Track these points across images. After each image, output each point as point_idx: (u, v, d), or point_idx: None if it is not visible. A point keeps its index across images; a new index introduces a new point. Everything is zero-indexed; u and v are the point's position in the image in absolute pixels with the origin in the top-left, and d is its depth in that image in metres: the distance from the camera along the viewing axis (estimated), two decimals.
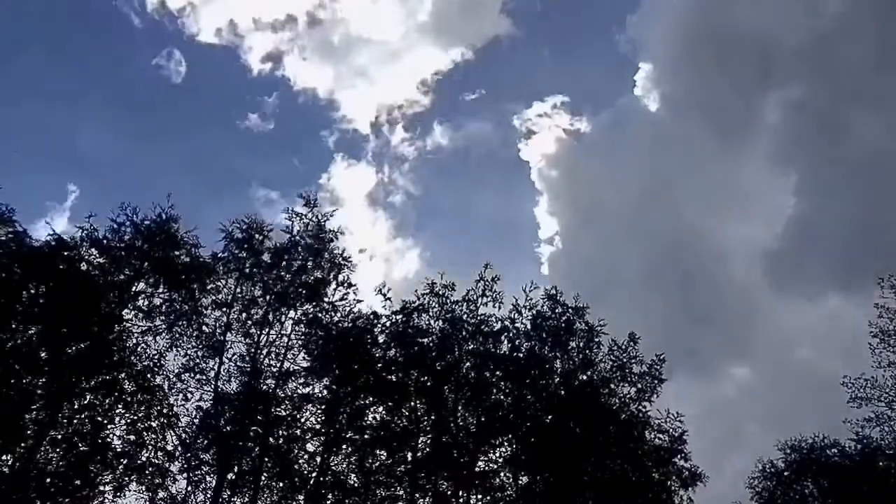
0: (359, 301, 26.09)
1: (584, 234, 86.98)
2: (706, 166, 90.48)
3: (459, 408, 25.21)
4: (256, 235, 25.63)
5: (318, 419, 24.61)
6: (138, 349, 22.94)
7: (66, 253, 21.92)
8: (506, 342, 26.34)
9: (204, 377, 23.73)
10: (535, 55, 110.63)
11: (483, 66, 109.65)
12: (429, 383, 25.31)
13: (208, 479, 22.65)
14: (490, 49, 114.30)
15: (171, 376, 23.31)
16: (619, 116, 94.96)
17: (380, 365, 25.46)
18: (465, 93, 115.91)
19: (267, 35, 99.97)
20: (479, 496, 24.23)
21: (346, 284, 25.96)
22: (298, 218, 26.23)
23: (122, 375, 22.20)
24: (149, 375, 22.75)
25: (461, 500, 23.52)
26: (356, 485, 23.88)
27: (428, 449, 24.49)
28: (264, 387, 24.09)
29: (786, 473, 28.45)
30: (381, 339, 26.04)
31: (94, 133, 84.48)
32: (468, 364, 25.87)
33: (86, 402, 21.48)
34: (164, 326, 23.56)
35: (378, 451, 24.54)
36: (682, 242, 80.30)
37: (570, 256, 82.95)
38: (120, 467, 21.41)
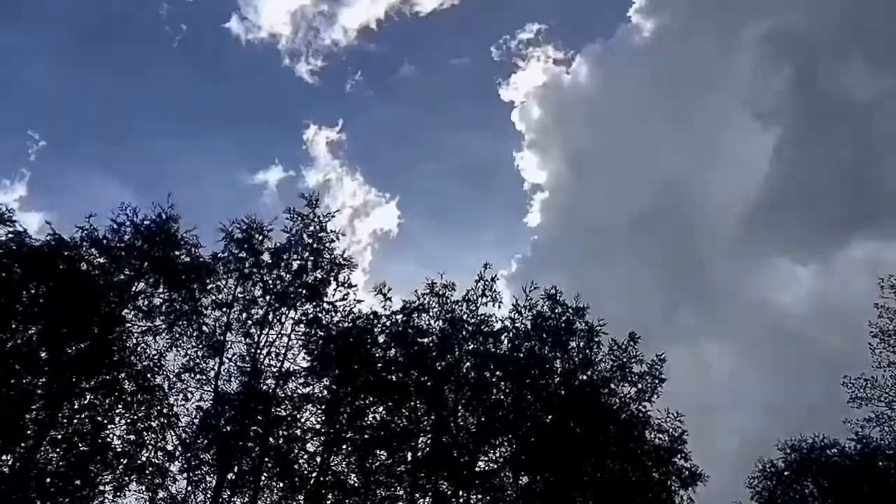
0: (359, 301, 26.15)
1: (569, 182, 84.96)
2: (693, 112, 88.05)
3: (459, 408, 25.22)
4: (256, 235, 25.63)
5: (318, 419, 24.64)
6: (138, 349, 22.98)
7: (66, 253, 21.92)
8: (506, 342, 26.39)
9: (204, 377, 23.75)
10: None
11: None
12: (429, 383, 25.30)
13: (208, 479, 22.70)
14: None
15: (171, 376, 23.37)
16: (607, 51, 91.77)
17: (380, 365, 25.46)
18: (437, 25, 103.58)
19: None
20: (479, 496, 24.23)
21: (346, 284, 25.98)
22: (299, 218, 26.22)
23: (122, 375, 22.22)
24: (149, 375, 22.77)
25: (461, 500, 23.53)
26: (356, 485, 23.88)
27: (428, 449, 24.49)
28: (264, 387, 24.09)
29: (786, 473, 28.49)
30: (381, 339, 26.04)
31: (40, 73, 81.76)
32: (468, 364, 25.88)
33: (86, 402, 21.51)
34: (164, 326, 23.59)
35: (378, 451, 24.54)
36: (669, 194, 79.14)
37: (555, 206, 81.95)
38: (120, 467, 21.45)
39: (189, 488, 22.28)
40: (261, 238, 25.66)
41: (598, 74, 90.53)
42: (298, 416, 24.37)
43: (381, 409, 25.27)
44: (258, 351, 24.25)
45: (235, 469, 22.90)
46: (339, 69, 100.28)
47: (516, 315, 26.60)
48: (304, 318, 25.27)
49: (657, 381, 25.19)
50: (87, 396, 21.60)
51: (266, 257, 25.63)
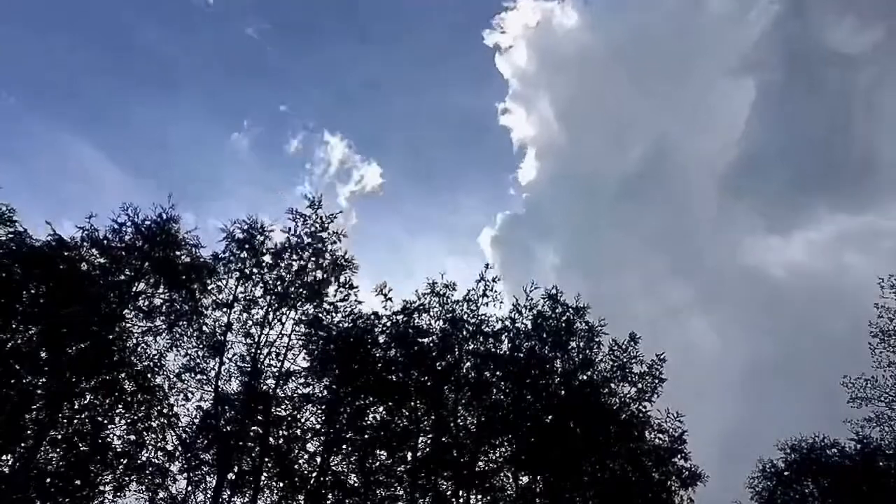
0: (359, 302, 26.14)
1: (559, 136, 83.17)
2: (683, 62, 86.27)
3: (459, 408, 25.23)
4: (257, 236, 25.63)
5: (318, 419, 24.63)
6: (138, 349, 22.99)
7: (66, 253, 21.93)
8: (506, 342, 26.39)
9: (204, 377, 23.76)
10: None
11: None
12: (429, 383, 25.30)
13: (208, 479, 22.71)
14: None
15: (171, 376, 23.40)
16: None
17: (380, 365, 25.45)
18: None
19: None
20: (479, 496, 24.24)
21: (347, 285, 25.97)
22: (301, 219, 26.21)
23: (122, 375, 22.24)
24: (149, 375, 22.79)
25: (461, 500, 23.53)
26: (356, 485, 23.88)
27: (428, 449, 24.50)
28: (264, 387, 24.10)
29: (786, 473, 28.49)
30: (381, 339, 26.04)
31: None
32: (468, 364, 25.89)
33: (86, 402, 21.53)
34: (164, 326, 23.60)
35: (378, 451, 24.54)
36: (660, 150, 78.15)
37: (544, 164, 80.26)
38: (120, 467, 21.47)
39: (189, 488, 22.30)
40: (262, 238, 25.68)
41: (589, 15, 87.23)
42: (298, 416, 24.38)
43: (381, 409, 25.27)
44: (258, 351, 24.25)
45: (235, 469, 22.89)
46: (307, 21, 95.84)
47: (516, 315, 26.66)
48: (304, 318, 25.28)
49: (657, 381, 25.21)
50: (87, 396, 21.63)
51: (267, 258, 25.65)
